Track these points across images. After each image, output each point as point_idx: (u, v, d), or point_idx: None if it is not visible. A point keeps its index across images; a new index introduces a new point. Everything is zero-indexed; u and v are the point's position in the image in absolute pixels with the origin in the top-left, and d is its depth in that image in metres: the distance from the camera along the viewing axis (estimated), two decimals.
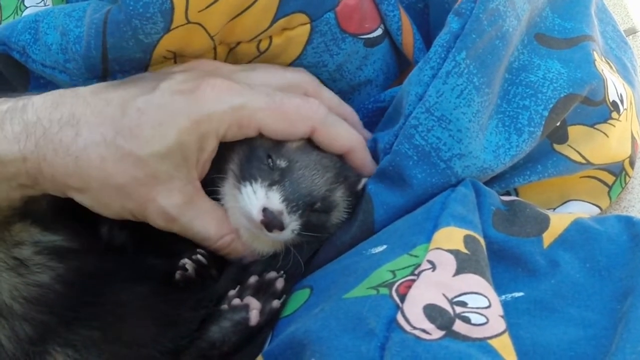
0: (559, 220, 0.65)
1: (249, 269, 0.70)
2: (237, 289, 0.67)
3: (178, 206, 0.64)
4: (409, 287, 0.53)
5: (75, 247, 0.66)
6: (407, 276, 0.55)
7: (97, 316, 0.62)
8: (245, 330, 0.64)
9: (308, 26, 0.74)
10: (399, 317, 0.50)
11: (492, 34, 0.68)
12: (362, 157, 0.72)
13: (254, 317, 0.63)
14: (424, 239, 0.60)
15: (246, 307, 0.64)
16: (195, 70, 0.67)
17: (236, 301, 0.65)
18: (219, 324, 0.64)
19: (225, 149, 0.68)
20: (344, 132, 0.71)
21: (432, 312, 0.50)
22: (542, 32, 0.78)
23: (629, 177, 0.84)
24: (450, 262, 0.55)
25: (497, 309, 0.51)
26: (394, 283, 0.54)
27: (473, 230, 0.60)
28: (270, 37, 0.74)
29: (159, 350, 0.61)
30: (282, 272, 0.68)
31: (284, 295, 0.67)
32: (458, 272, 0.54)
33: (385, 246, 0.63)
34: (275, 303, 0.65)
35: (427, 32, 0.82)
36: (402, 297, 0.52)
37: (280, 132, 0.66)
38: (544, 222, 0.65)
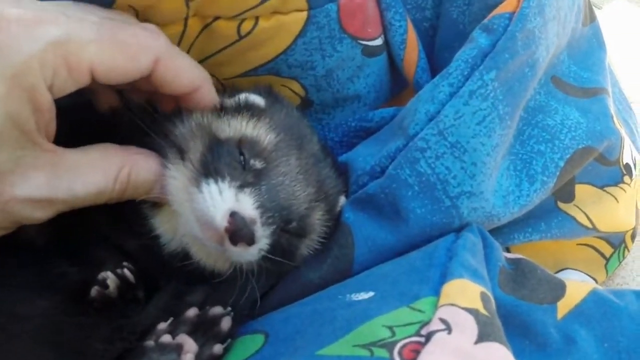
0: (576, 289, 0.58)
1: (188, 298, 0.56)
2: (169, 321, 0.54)
3: (44, 185, 0.50)
4: (417, 351, 0.40)
5: None
6: (411, 336, 0.43)
7: None
8: None
9: (305, 14, 0.63)
10: None
11: (523, 59, 0.59)
12: (209, 94, 0.60)
13: None
14: (428, 290, 0.48)
15: (178, 348, 0.51)
16: None
17: (166, 338, 0.52)
18: None
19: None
20: (189, 65, 0.58)
21: None
22: (558, 76, 0.71)
23: (628, 250, 0.78)
24: (470, 325, 0.43)
25: None
26: (394, 343, 0.42)
27: (486, 287, 0.49)
28: (257, 19, 0.61)
29: None
30: (229, 308, 0.54)
31: (229, 339, 0.54)
32: (481, 338, 0.42)
33: (372, 293, 0.51)
34: (217, 348, 0.53)
35: (430, 55, 0.72)
36: None
37: (120, 69, 0.52)
38: (560, 289, 0.57)
